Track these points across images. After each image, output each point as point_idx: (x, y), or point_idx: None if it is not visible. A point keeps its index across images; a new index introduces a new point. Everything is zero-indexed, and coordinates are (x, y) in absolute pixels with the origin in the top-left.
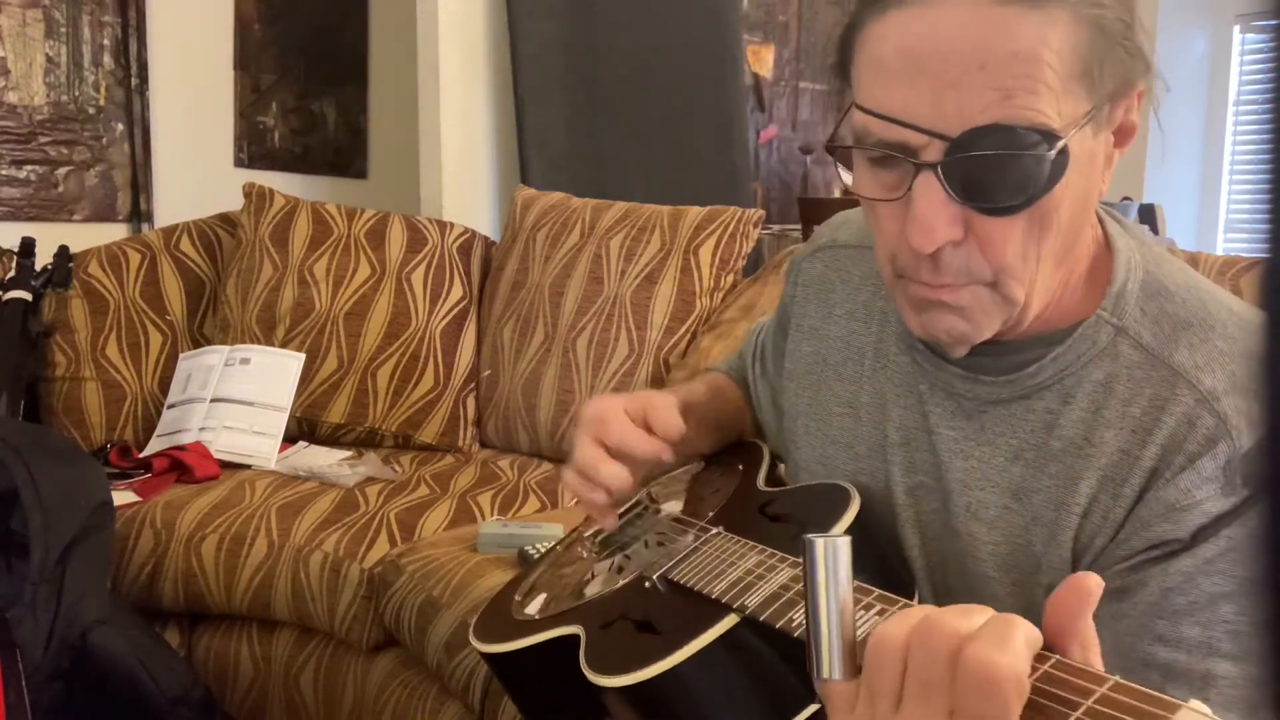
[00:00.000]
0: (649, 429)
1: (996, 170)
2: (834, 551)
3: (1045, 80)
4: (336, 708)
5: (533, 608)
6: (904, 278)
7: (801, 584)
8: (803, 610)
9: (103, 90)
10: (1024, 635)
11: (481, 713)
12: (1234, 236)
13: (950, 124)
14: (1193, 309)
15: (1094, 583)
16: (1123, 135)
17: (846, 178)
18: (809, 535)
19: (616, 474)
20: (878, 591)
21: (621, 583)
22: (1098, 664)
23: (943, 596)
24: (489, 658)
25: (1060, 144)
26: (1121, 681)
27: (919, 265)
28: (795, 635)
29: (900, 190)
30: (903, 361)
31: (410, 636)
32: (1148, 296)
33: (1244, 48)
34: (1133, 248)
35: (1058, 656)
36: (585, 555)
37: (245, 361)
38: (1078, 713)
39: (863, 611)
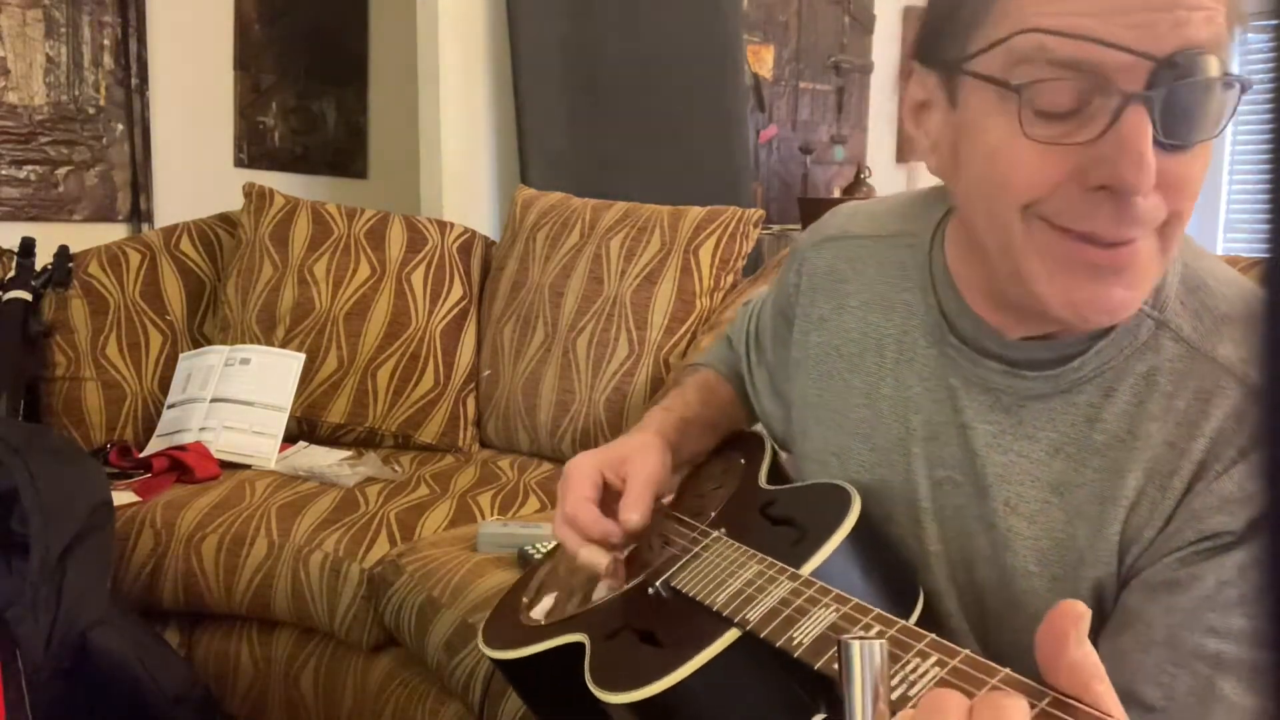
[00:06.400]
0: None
1: (1201, 99)
2: (870, 654)
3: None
4: (336, 708)
5: (539, 611)
6: (1052, 224)
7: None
8: (802, 629)
9: (103, 90)
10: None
11: (481, 713)
12: (1234, 236)
13: (1162, 43)
14: (1233, 303)
15: (1076, 612)
16: None
17: (978, 120)
18: (844, 638)
19: (592, 559)
20: (876, 611)
21: (626, 586)
22: (1096, 692)
23: (968, 592)
24: (498, 663)
25: (1235, 74)
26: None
27: (1101, 214)
28: (795, 655)
29: (1084, 129)
30: (930, 355)
31: (410, 636)
32: (1187, 290)
33: (1244, 47)
34: None
35: (1053, 694)
36: None
37: (245, 361)
38: None
39: (862, 632)
